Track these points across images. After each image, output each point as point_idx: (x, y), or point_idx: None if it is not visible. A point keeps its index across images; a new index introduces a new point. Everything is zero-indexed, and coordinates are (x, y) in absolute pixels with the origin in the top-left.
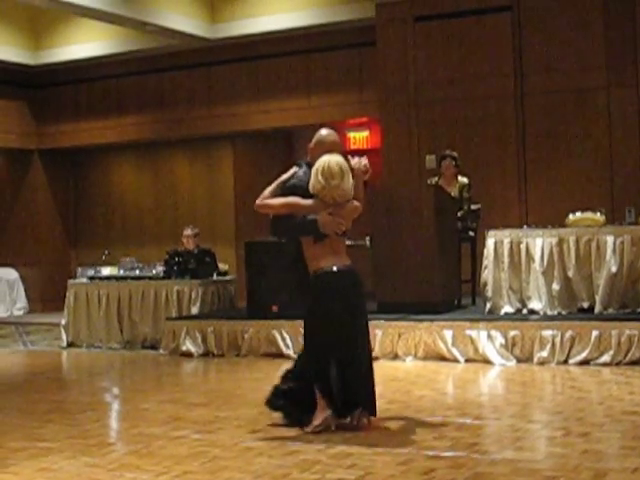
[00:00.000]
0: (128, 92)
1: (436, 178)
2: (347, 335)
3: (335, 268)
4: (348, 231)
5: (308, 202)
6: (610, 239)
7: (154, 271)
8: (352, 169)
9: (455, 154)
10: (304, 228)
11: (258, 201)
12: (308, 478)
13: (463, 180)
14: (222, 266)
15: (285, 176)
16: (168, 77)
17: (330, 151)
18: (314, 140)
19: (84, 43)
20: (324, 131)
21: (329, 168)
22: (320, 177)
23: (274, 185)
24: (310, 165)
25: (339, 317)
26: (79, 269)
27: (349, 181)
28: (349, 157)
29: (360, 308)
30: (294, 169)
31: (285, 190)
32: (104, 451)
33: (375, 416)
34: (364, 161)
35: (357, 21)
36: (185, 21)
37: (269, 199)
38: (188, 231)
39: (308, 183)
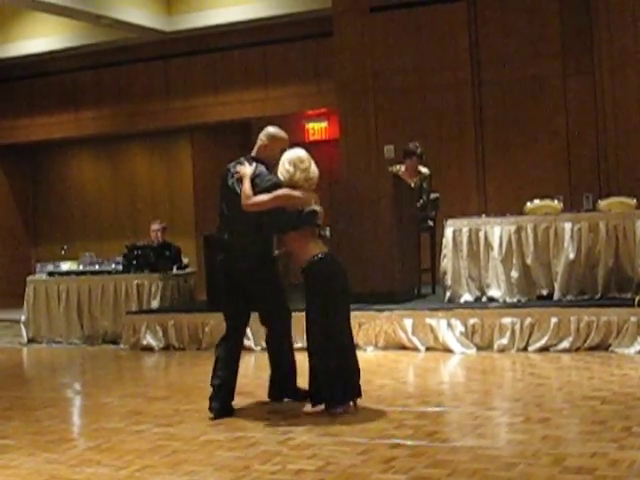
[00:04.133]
0: (84, 86)
1: (399, 167)
2: (346, 316)
3: (323, 255)
4: None
5: (299, 193)
6: (568, 226)
7: (113, 265)
8: None
9: (420, 151)
10: (306, 219)
11: (247, 202)
12: (269, 470)
13: (424, 171)
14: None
15: (249, 172)
16: (125, 71)
17: (282, 150)
18: (268, 137)
19: (39, 38)
20: (275, 128)
21: (298, 157)
22: (290, 166)
23: (248, 184)
24: (259, 161)
25: (339, 299)
26: (38, 265)
27: (316, 169)
28: None
29: (349, 291)
30: (252, 166)
31: (271, 186)
32: (64, 447)
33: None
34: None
35: (313, 12)
36: (141, 14)
37: (255, 197)
38: (155, 225)
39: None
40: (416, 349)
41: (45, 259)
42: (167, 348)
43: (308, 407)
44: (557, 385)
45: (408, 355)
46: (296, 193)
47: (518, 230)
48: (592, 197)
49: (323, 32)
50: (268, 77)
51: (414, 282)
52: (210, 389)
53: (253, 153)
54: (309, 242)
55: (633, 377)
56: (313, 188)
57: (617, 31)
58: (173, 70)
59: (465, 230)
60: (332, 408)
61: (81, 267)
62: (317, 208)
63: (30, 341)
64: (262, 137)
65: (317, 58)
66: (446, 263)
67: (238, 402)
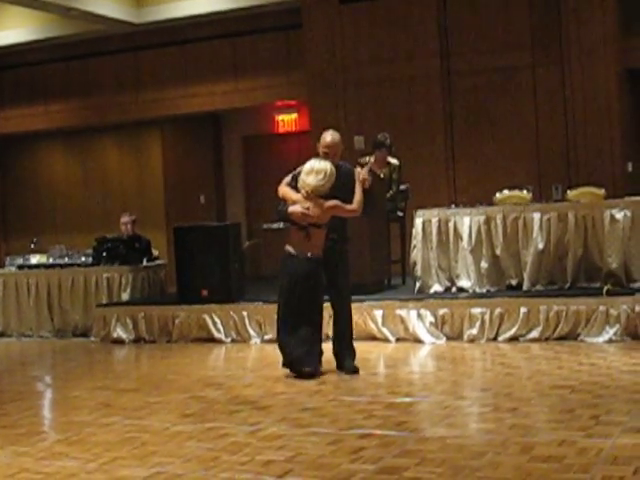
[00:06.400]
0: (54, 79)
1: (368, 158)
2: (289, 309)
3: (294, 252)
4: (323, 224)
5: (294, 194)
6: (537, 216)
7: (83, 258)
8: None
9: (389, 142)
10: (281, 214)
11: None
12: (238, 461)
13: (394, 162)
14: (152, 251)
15: (299, 169)
16: (94, 63)
17: (323, 153)
18: None
19: (8, 30)
20: (324, 134)
21: (305, 166)
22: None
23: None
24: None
25: (285, 293)
26: (8, 258)
27: (318, 179)
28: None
29: (306, 291)
30: None
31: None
32: (33, 440)
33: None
34: (363, 172)
35: (283, 3)
36: (110, 5)
37: (282, 186)
38: (125, 218)
39: None
40: (386, 340)
41: (15, 252)
42: (137, 341)
43: None
44: (526, 374)
45: (378, 346)
46: (284, 189)
47: (487, 220)
48: (561, 187)
49: (293, 23)
50: (238, 69)
51: (384, 273)
52: None
53: None
54: (291, 239)
55: (601, 366)
56: (318, 194)
57: (585, 22)
58: (143, 62)
59: (435, 221)
60: None
61: (51, 260)
62: (291, 208)
63: (0, 335)
64: None
65: (287, 49)
66: (416, 254)
67: (209, 394)
